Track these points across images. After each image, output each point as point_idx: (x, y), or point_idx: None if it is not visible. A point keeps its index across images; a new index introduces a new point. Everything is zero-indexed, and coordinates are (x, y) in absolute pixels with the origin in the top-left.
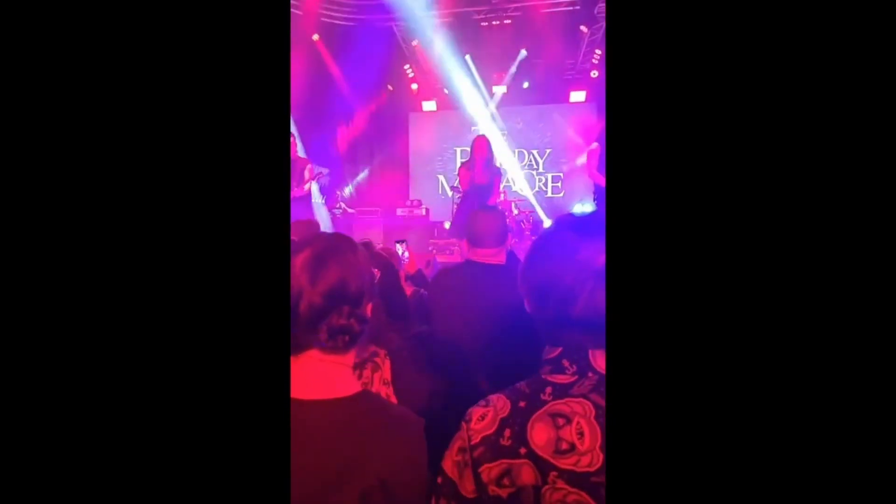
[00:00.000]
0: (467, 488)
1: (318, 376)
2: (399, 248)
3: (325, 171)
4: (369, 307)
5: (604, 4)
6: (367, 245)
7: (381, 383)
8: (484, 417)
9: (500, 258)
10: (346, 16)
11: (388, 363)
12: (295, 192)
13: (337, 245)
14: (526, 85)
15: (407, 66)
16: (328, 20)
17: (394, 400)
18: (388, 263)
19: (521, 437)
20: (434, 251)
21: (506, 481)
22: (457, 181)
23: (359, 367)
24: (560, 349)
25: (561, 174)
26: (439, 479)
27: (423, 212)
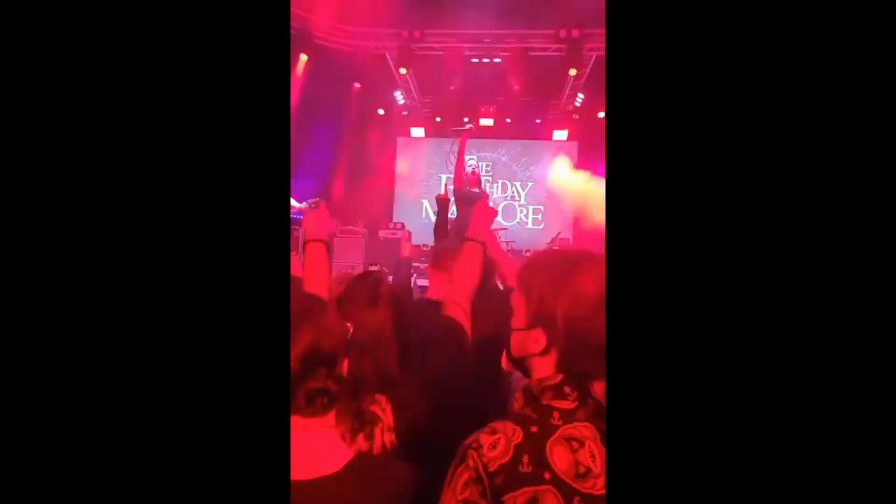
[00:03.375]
0: None
1: (305, 448)
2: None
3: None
4: (345, 364)
5: (591, 46)
6: (373, 274)
7: (387, 431)
8: (496, 445)
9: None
10: (340, 40)
11: (389, 408)
12: None
13: (307, 307)
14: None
15: (398, 93)
16: (322, 42)
17: (394, 444)
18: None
19: (541, 463)
20: (415, 275)
21: None
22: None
23: (357, 425)
24: (562, 376)
25: (541, 207)
26: None
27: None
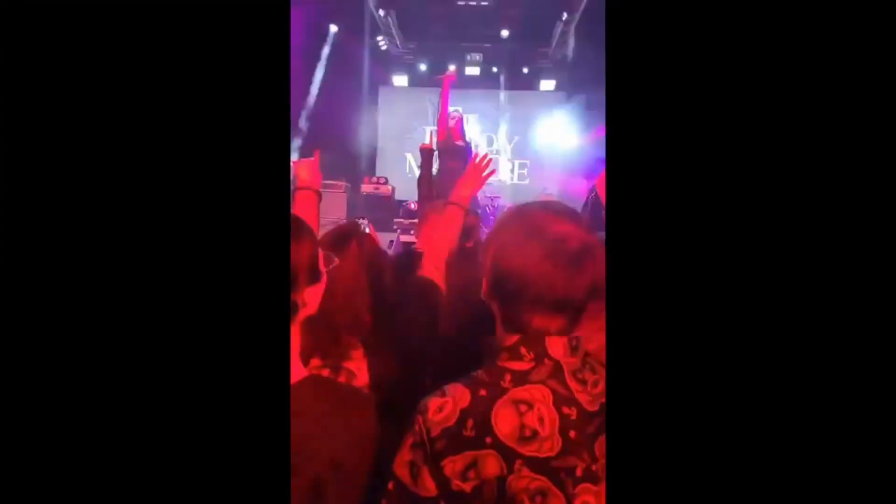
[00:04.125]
0: (426, 486)
1: None
2: (361, 226)
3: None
4: (321, 289)
5: None
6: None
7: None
8: (442, 408)
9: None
10: None
11: (364, 366)
12: None
13: (297, 228)
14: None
15: (380, 38)
16: None
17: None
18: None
19: (485, 427)
20: (398, 230)
21: (471, 474)
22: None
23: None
24: (518, 336)
25: (527, 161)
26: (391, 486)
27: (389, 189)
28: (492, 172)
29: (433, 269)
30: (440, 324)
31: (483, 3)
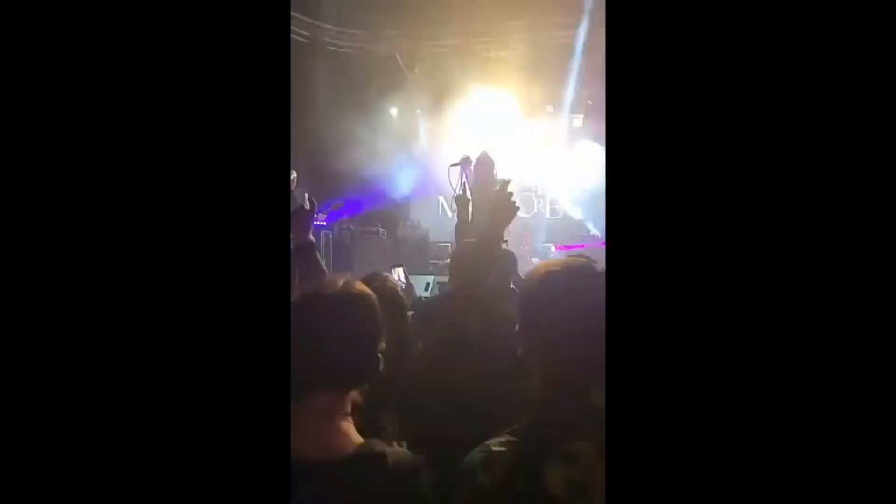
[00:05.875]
0: None
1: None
2: (396, 274)
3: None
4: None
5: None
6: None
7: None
8: (492, 465)
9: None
10: (349, 44)
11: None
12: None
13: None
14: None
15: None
16: (333, 48)
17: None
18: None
19: (536, 482)
20: (435, 277)
21: None
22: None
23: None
24: (557, 388)
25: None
26: None
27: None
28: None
29: (465, 311)
30: (471, 372)
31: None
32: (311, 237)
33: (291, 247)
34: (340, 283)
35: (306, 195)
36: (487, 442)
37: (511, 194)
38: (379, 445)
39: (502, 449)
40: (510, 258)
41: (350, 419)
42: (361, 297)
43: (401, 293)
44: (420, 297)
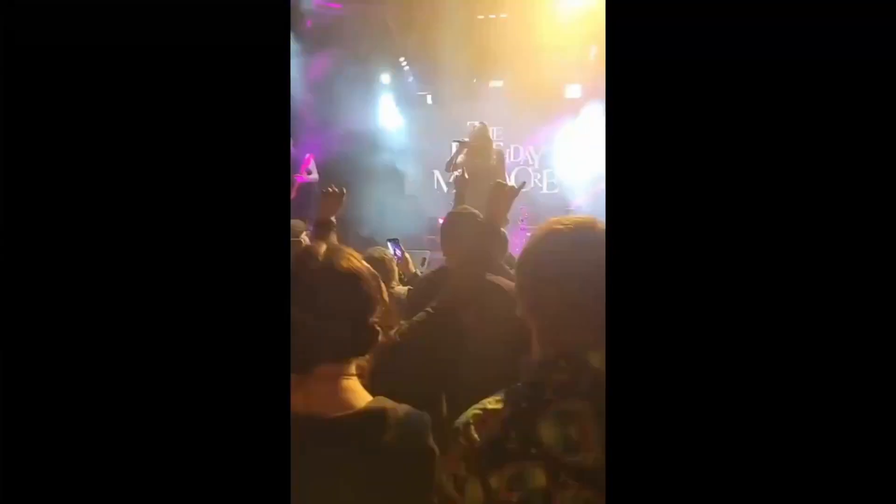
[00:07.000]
0: (477, 500)
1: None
2: (391, 248)
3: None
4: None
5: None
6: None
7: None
8: (486, 421)
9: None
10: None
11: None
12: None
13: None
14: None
15: (402, 59)
16: (321, 9)
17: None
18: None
19: (528, 438)
20: (429, 253)
21: (517, 485)
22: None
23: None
24: (557, 350)
25: (554, 170)
26: (436, 500)
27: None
28: (522, 185)
29: (460, 290)
30: (470, 341)
31: (502, 17)
32: (333, 218)
33: (315, 221)
34: (325, 251)
35: (332, 185)
36: (484, 400)
37: (511, 187)
38: (387, 402)
39: (497, 406)
40: (502, 238)
41: (356, 379)
42: (353, 270)
43: (395, 266)
44: (416, 274)
